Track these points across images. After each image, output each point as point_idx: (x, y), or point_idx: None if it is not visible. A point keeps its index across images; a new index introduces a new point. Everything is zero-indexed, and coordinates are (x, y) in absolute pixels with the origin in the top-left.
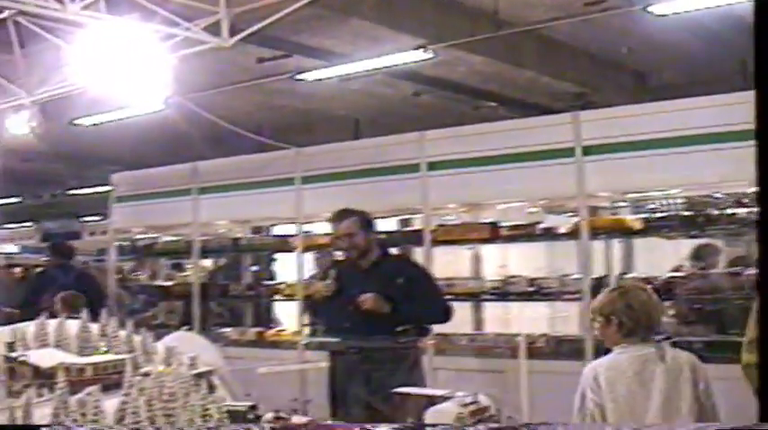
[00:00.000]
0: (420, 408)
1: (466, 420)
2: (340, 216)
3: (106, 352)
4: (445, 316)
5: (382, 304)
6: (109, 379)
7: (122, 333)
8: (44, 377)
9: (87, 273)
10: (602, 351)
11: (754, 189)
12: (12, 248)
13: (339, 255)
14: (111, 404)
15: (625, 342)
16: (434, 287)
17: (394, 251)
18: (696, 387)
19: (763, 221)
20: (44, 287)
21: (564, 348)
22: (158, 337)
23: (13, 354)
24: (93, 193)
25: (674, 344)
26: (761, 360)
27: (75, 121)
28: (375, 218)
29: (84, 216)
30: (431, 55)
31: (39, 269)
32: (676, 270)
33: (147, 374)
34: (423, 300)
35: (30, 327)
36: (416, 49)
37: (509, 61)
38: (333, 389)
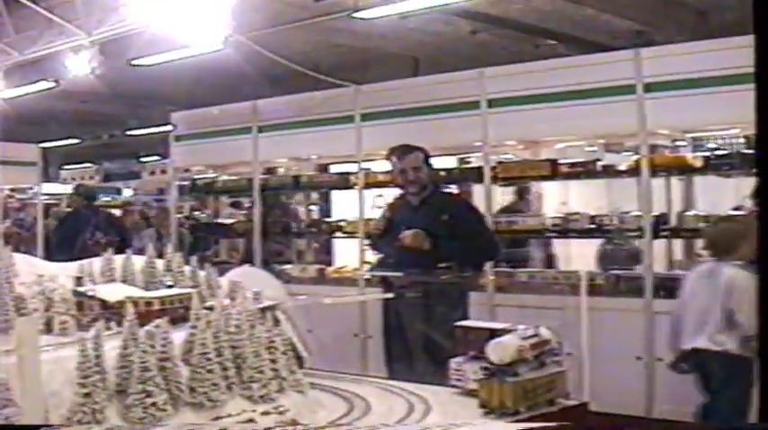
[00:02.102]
0: (482, 341)
1: (526, 352)
2: (404, 150)
3: (172, 286)
4: (490, 254)
5: (422, 241)
6: (176, 312)
7: (187, 268)
8: (112, 310)
9: (112, 214)
10: (661, 287)
11: None
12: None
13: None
14: (178, 336)
15: None
16: (480, 225)
17: (446, 189)
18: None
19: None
20: (80, 226)
21: (623, 286)
22: (221, 274)
23: (82, 289)
24: (153, 133)
25: None
26: (761, 360)
27: (134, 62)
28: (433, 155)
29: (144, 156)
30: None
31: (69, 209)
32: (737, 209)
33: (211, 308)
34: (466, 238)
35: (96, 262)
36: None
37: None
38: (387, 323)
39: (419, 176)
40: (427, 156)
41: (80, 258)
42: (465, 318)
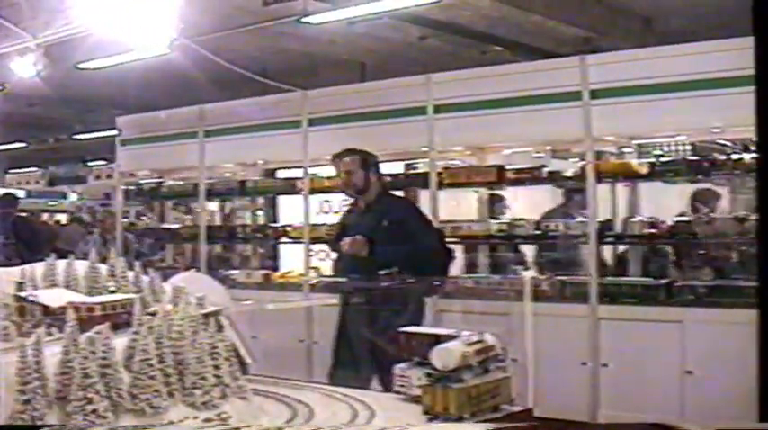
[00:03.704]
0: (425, 347)
1: (471, 358)
2: (341, 154)
3: (115, 292)
4: (431, 259)
5: (360, 247)
6: (118, 318)
7: (131, 273)
8: (54, 316)
9: (25, 220)
10: (606, 294)
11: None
12: (18, 193)
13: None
14: (120, 342)
15: None
16: (421, 229)
17: (395, 193)
18: None
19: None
20: None
21: (568, 291)
22: (166, 279)
23: (23, 294)
24: (99, 137)
25: (678, 289)
26: (760, 361)
27: (81, 65)
28: (380, 160)
29: (90, 160)
30: None
31: None
32: (681, 215)
33: (154, 313)
34: (406, 243)
35: (38, 268)
36: None
37: (516, 5)
38: (338, 329)
39: (352, 180)
40: (369, 160)
41: None
42: (414, 323)
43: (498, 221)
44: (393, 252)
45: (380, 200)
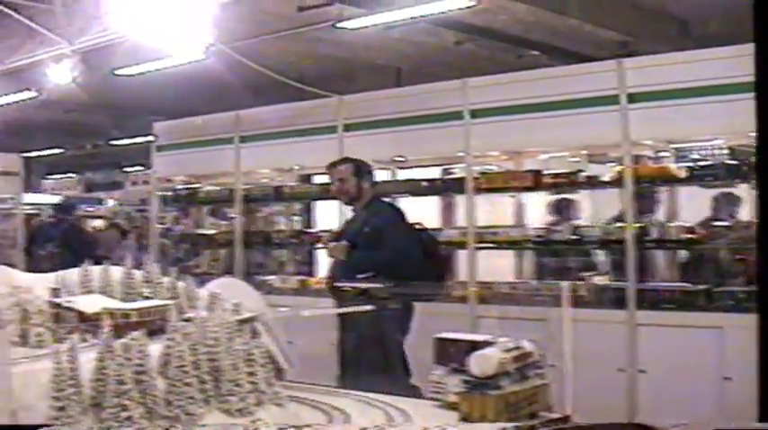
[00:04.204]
0: (462, 353)
1: (508, 365)
2: (335, 162)
3: (150, 298)
4: (391, 266)
5: (339, 252)
6: (153, 324)
7: (166, 279)
8: (89, 322)
9: (77, 227)
10: (644, 299)
11: None
12: (55, 199)
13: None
14: (155, 348)
15: None
16: (390, 236)
17: (386, 201)
18: None
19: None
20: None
21: (606, 297)
22: (202, 285)
23: (58, 300)
24: (135, 143)
25: (717, 294)
26: (760, 360)
27: (117, 71)
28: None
29: (127, 166)
30: (473, 2)
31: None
32: (713, 219)
33: (190, 319)
34: (380, 250)
35: (74, 274)
36: None
37: (552, 9)
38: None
39: (345, 188)
40: (363, 169)
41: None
42: (398, 328)
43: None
44: (366, 257)
45: (368, 207)
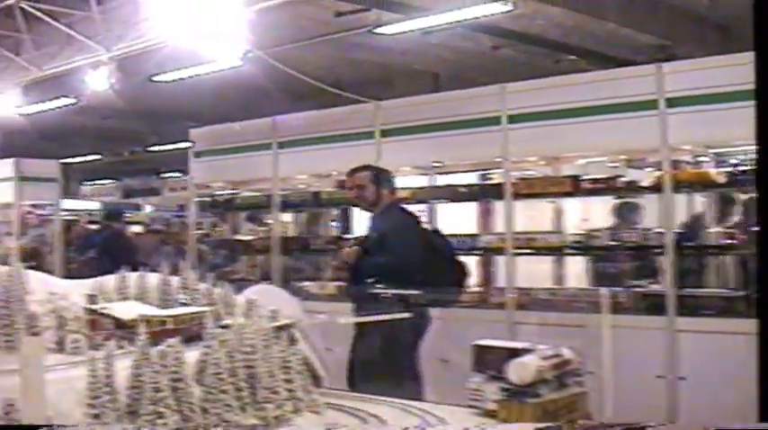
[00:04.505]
0: (501, 361)
1: (547, 373)
2: (353, 170)
3: (187, 304)
4: (392, 272)
5: (349, 256)
6: (189, 331)
7: (203, 286)
8: (125, 329)
9: (117, 234)
10: (685, 305)
11: None
12: (93, 205)
13: None
14: (191, 356)
15: None
16: (395, 242)
17: (403, 207)
18: None
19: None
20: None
21: (646, 303)
22: (239, 291)
23: (95, 307)
24: (173, 149)
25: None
26: (760, 361)
27: (154, 78)
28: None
29: (165, 172)
30: (510, 7)
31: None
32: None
33: (227, 326)
34: (382, 255)
35: (110, 280)
36: (495, 1)
37: (589, 13)
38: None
39: (362, 195)
40: (380, 176)
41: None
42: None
43: (574, 233)
44: (370, 263)
45: (383, 213)
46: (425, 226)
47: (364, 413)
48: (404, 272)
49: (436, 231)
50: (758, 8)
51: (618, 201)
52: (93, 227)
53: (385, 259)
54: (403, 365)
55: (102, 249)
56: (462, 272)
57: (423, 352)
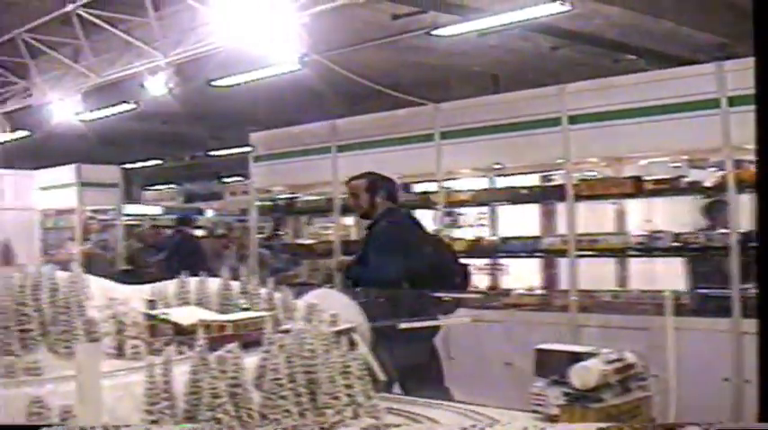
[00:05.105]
0: (564, 365)
1: (610, 377)
2: (352, 178)
3: (247, 309)
4: (367, 280)
5: (341, 264)
6: (249, 336)
7: (263, 290)
8: (184, 334)
9: (187, 238)
10: (748, 307)
11: None
12: (155, 210)
13: None
14: (250, 361)
15: None
16: (373, 251)
17: (394, 217)
18: None
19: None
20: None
21: (710, 305)
22: (301, 295)
23: (154, 312)
24: (233, 154)
25: None
26: (760, 360)
27: (213, 82)
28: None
29: (226, 176)
30: (567, 7)
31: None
32: None
33: (287, 331)
34: (366, 263)
35: (170, 285)
36: (552, 1)
37: (647, 12)
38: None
39: (357, 203)
40: (375, 185)
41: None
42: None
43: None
44: (354, 271)
45: (377, 221)
46: (427, 233)
47: (423, 417)
48: (378, 282)
49: (439, 239)
50: (758, 12)
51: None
52: (163, 231)
53: (361, 269)
54: (423, 366)
55: (172, 253)
56: (463, 277)
57: (486, 354)
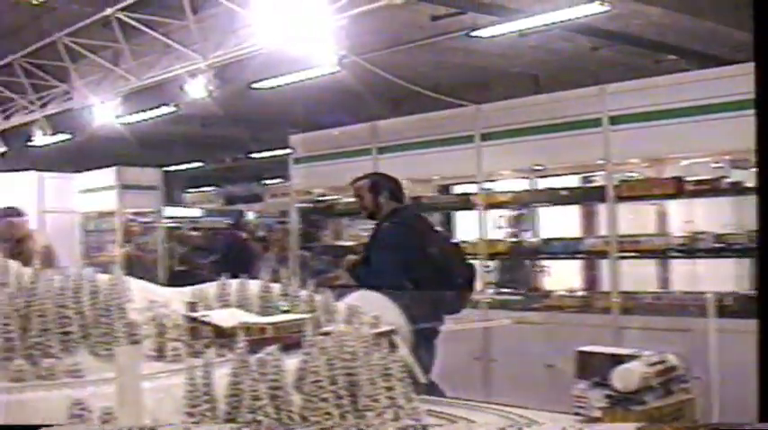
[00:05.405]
0: (606, 367)
1: (652, 379)
2: (357, 179)
3: (287, 311)
4: (369, 280)
5: (347, 264)
6: (289, 338)
7: (304, 293)
8: (225, 337)
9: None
10: None
11: None
12: (195, 212)
13: None
14: (291, 363)
15: None
16: (377, 250)
17: (398, 217)
18: None
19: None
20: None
21: (754, 307)
22: (341, 297)
23: (195, 314)
24: (274, 156)
25: None
26: (760, 360)
27: (253, 85)
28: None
29: (266, 179)
30: (607, 7)
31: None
32: None
33: (327, 334)
34: (369, 262)
35: (211, 288)
36: (592, 1)
37: (687, 12)
38: None
39: (362, 203)
40: (378, 186)
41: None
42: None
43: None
44: (359, 271)
45: (382, 222)
46: (434, 232)
47: (465, 420)
48: (380, 282)
49: (447, 238)
50: (758, 18)
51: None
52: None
53: (365, 270)
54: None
55: (224, 254)
56: (469, 279)
57: (527, 357)
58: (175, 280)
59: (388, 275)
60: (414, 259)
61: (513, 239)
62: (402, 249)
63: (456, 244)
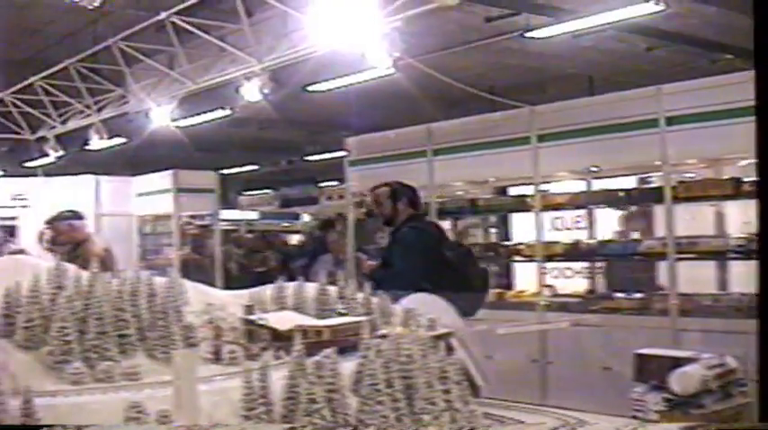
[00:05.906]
0: (664, 370)
1: (711, 383)
2: (376, 186)
3: (344, 314)
4: (395, 284)
5: (366, 267)
6: (346, 341)
7: (360, 295)
8: (282, 339)
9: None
10: None
11: None
12: (251, 215)
13: None
14: (347, 366)
15: None
16: (397, 256)
17: (416, 223)
18: None
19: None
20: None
21: None
22: (398, 300)
23: (252, 317)
24: (329, 158)
25: None
26: (760, 360)
27: (308, 88)
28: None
29: (322, 181)
30: (662, 7)
31: None
32: None
33: (384, 336)
34: (388, 267)
35: (267, 290)
36: (647, 1)
37: (742, 10)
38: None
39: (380, 210)
40: (397, 193)
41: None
42: None
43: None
44: (377, 274)
45: (399, 228)
46: (447, 239)
47: (522, 424)
48: (400, 286)
49: (460, 244)
50: (758, 24)
51: None
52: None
53: (384, 272)
54: None
55: (313, 258)
56: (483, 282)
57: (585, 359)
58: (255, 282)
59: (408, 278)
60: (432, 262)
61: (570, 240)
62: (421, 252)
63: (469, 249)
